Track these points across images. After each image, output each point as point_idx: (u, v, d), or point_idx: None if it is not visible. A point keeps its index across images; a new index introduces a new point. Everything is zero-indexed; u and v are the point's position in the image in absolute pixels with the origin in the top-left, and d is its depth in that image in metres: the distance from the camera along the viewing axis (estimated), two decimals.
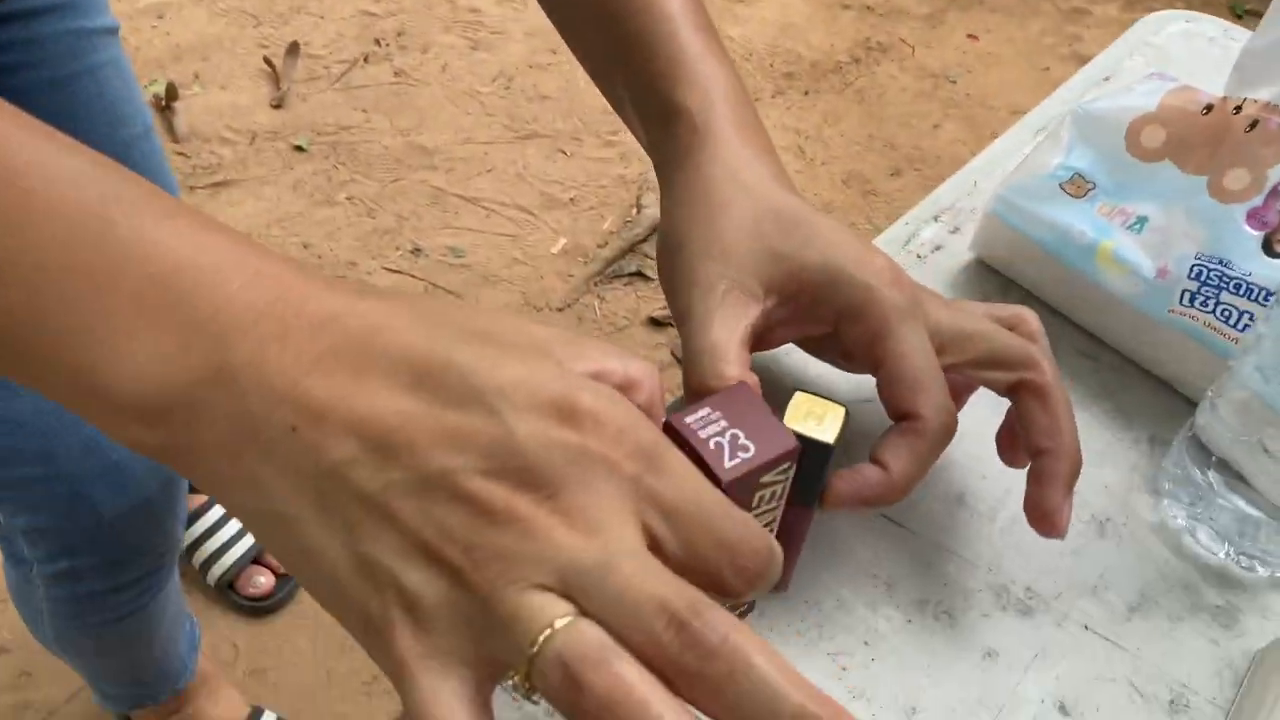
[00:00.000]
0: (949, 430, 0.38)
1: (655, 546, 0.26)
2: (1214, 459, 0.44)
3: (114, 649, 0.89)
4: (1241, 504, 0.44)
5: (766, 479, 0.32)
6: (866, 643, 0.41)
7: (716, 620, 0.24)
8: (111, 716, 1.13)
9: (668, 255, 0.41)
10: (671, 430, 0.31)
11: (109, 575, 0.79)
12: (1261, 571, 0.45)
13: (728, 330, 0.38)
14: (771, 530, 0.36)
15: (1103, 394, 0.51)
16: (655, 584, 0.25)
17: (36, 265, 0.26)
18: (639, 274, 1.70)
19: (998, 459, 0.44)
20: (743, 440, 0.31)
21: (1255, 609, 0.44)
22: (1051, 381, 0.39)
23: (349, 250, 1.68)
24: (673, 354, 1.59)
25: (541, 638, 0.24)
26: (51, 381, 0.27)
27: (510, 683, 0.25)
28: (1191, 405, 0.50)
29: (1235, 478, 0.44)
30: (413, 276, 1.65)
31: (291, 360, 0.26)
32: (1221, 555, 0.45)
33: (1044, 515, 0.40)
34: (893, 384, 0.38)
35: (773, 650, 0.24)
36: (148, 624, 0.88)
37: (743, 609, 0.40)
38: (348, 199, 1.76)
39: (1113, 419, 0.50)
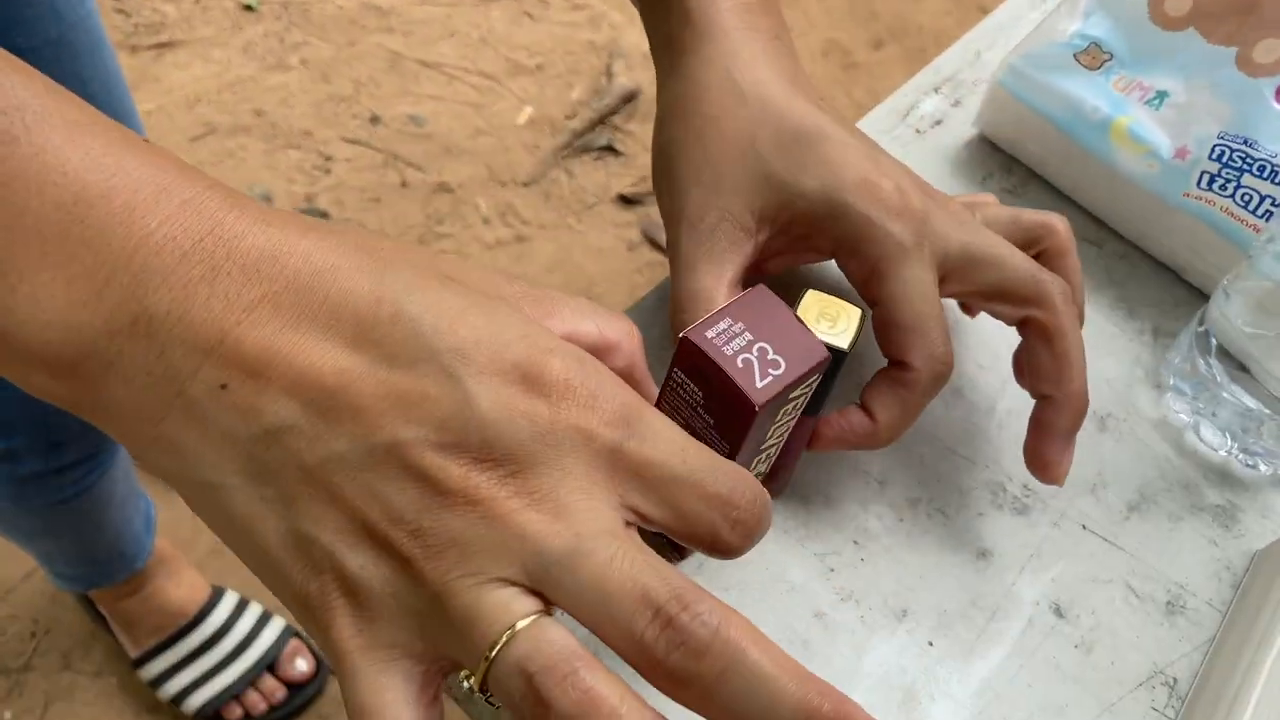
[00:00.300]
0: (941, 379, 0.35)
1: (641, 519, 0.24)
2: (1215, 345, 0.42)
3: (61, 530, 0.86)
4: (1244, 397, 0.42)
5: (793, 394, 0.29)
6: (856, 542, 0.39)
7: (706, 612, 0.21)
8: (69, 596, 1.12)
9: (658, 169, 0.37)
10: (690, 347, 0.28)
11: (49, 456, 0.76)
12: (1264, 469, 0.43)
13: (714, 275, 0.34)
14: (780, 444, 0.33)
15: (1107, 283, 0.48)
16: (635, 571, 0.22)
17: None
18: (609, 148, 1.64)
19: (995, 346, 0.41)
20: (771, 355, 0.28)
21: (1255, 508, 0.42)
22: (1062, 323, 0.36)
23: (304, 118, 1.60)
24: (643, 233, 1.54)
25: (501, 641, 0.21)
26: None
27: (465, 685, 0.22)
28: (1200, 296, 0.48)
29: (1238, 368, 0.42)
30: (372, 147, 1.58)
31: (221, 307, 0.23)
32: (1223, 452, 0.43)
33: (1044, 465, 0.37)
34: (887, 328, 0.35)
35: (768, 641, 0.22)
36: (96, 505, 0.85)
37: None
38: (301, 63, 1.66)
39: (1115, 309, 0.47)
